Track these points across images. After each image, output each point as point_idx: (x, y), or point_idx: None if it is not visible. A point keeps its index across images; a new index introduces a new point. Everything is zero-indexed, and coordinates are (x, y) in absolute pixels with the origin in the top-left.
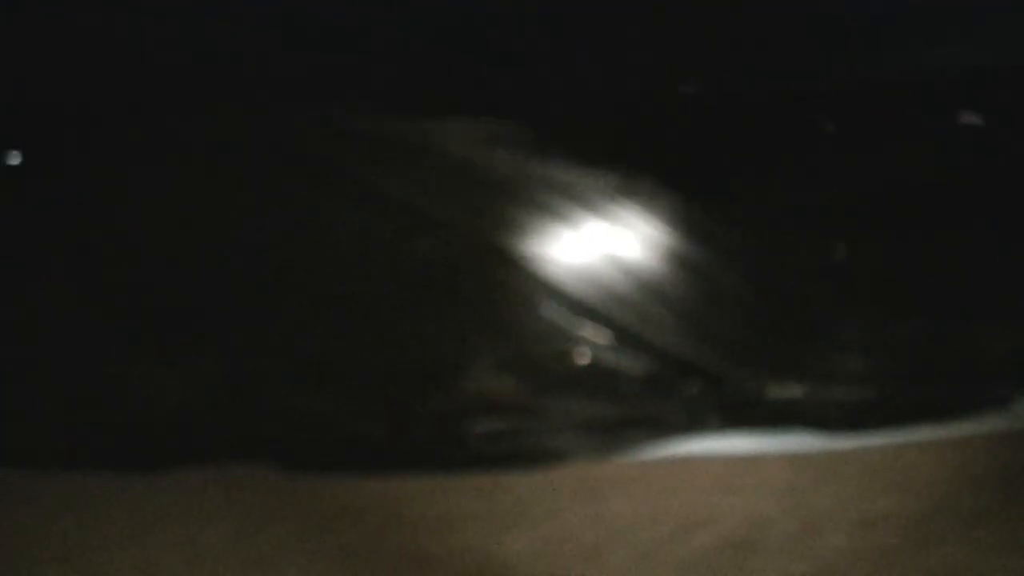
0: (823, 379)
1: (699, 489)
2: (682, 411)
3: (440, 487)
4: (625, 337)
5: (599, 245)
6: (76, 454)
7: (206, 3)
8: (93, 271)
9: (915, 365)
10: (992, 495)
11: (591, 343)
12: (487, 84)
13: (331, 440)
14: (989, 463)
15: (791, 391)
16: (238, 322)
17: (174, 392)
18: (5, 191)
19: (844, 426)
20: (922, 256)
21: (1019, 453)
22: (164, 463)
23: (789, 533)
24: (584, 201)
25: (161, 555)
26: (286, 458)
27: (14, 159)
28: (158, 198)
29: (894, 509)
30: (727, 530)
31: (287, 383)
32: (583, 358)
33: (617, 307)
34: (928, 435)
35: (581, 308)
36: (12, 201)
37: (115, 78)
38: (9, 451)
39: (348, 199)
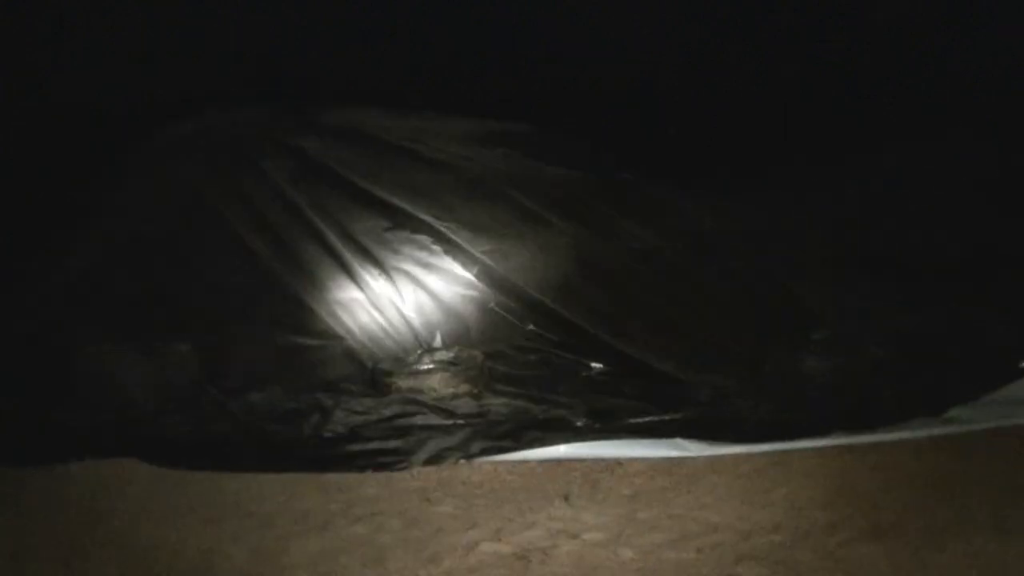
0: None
1: (539, 494)
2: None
3: (279, 484)
4: (575, 335)
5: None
6: None
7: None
8: None
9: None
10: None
11: (538, 340)
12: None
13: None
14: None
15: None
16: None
17: None
18: None
19: (745, 433)
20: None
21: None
22: None
23: (590, 544)
24: (561, 199)
25: None
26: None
27: None
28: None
29: (727, 522)
30: (529, 539)
31: None
32: (524, 356)
33: (573, 306)
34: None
35: (533, 305)
36: None
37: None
38: None
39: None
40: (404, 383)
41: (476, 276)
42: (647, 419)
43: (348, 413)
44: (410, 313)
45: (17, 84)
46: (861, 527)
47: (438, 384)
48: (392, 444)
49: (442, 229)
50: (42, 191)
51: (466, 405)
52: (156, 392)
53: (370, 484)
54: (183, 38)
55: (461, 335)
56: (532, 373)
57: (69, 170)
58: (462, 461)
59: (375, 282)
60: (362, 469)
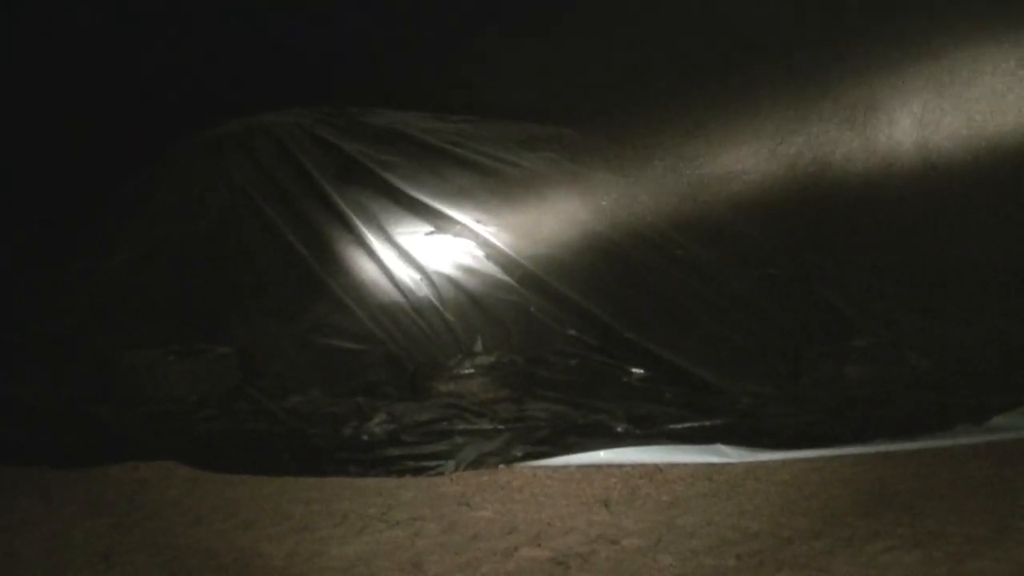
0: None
1: (578, 500)
2: (633, 419)
3: (317, 487)
4: (616, 340)
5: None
6: None
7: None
8: None
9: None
10: (879, 517)
11: (579, 345)
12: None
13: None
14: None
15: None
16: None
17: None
18: None
19: (782, 441)
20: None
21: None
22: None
23: (629, 550)
24: (603, 205)
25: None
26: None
27: None
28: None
29: (766, 529)
30: (568, 544)
31: None
32: (565, 360)
33: (615, 311)
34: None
35: (574, 310)
36: None
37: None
38: None
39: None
40: (444, 387)
41: (518, 281)
42: (687, 425)
43: (387, 417)
44: (451, 317)
45: (62, 83)
46: (902, 535)
47: (478, 388)
48: (431, 448)
49: (484, 233)
50: (84, 191)
51: (506, 410)
52: (195, 394)
53: (409, 488)
54: (231, 41)
55: (502, 339)
56: (572, 378)
57: (113, 170)
58: (501, 466)
59: (416, 286)
60: (401, 473)
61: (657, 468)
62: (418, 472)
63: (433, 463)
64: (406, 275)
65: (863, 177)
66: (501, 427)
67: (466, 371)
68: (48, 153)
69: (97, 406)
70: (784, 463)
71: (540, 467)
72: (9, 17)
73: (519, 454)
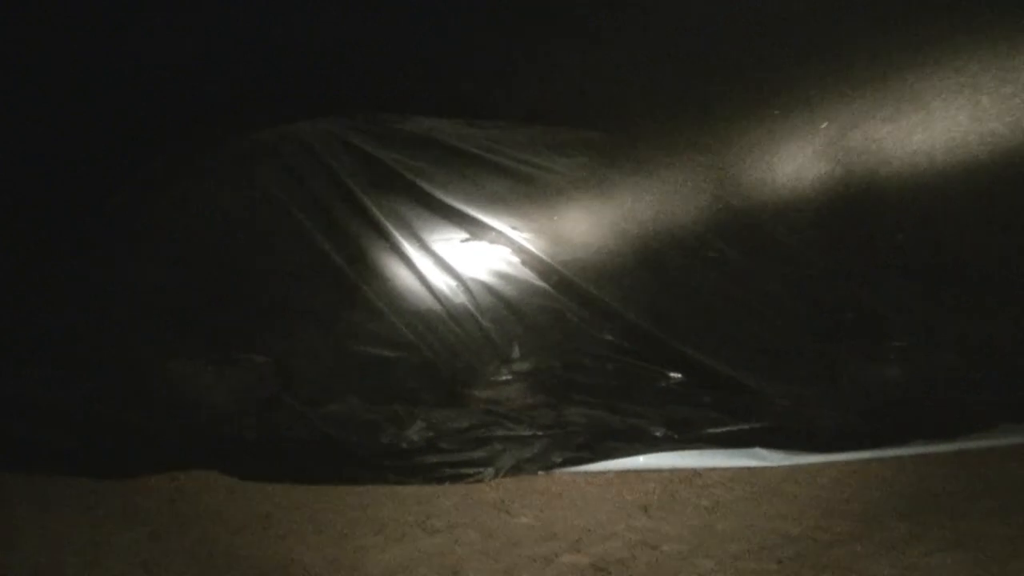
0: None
1: (617, 505)
2: (671, 423)
3: (355, 495)
4: (653, 345)
5: (636, 250)
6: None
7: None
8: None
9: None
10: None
11: (616, 350)
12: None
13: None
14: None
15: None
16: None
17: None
18: None
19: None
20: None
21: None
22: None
23: (669, 555)
24: (638, 209)
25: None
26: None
27: None
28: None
29: (806, 533)
30: (607, 550)
31: None
32: (602, 366)
33: (651, 315)
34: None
35: (610, 315)
36: None
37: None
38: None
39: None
40: (481, 394)
41: (553, 287)
42: (725, 429)
43: (425, 424)
44: (487, 324)
45: (95, 87)
46: (943, 537)
47: (516, 394)
48: (470, 455)
49: (519, 239)
50: (119, 200)
51: (544, 415)
52: (233, 403)
53: (447, 495)
54: (263, 47)
55: (538, 346)
56: (610, 383)
57: (147, 178)
58: (540, 472)
59: (452, 293)
60: (439, 480)
61: (696, 472)
62: (457, 479)
63: (472, 470)
64: (442, 282)
65: (899, 176)
66: (539, 433)
67: (503, 377)
68: (86, 162)
69: (136, 416)
70: (823, 466)
71: (579, 473)
72: (50, 21)
73: (558, 460)
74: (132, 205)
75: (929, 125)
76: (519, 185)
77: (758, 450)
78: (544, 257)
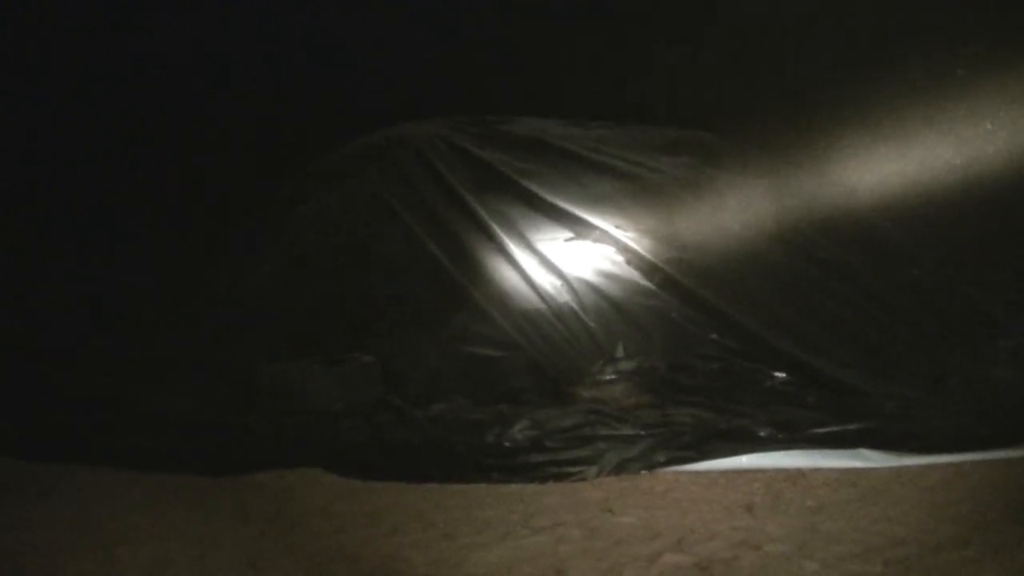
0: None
1: (721, 505)
2: (776, 424)
3: (460, 494)
4: (758, 344)
5: (741, 250)
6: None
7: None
8: None
9: None
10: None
11: (720, 349)
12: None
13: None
14: None
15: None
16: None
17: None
18: None
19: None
20: None
21: None
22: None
23: (772, 556)
24: (737, 205)
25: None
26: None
27: None
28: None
29: (913, 535)
30: (711, 550)
31: None
32: (707, 365)
33: (756, 315)
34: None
35: (715, 314)
36: None
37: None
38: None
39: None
40: (586, 393)
41: (658, 286)
42: (830, 429)
43: (530, 423)
44: (592, 323)
45: (208, 97)
46: None
47: (620, 394)
48: (574, 454)
49: (624, 239)
50: (230, 204)
51: (648, 415)
52: (340, 403)
53: (551, 494)
54: (370, 54)
55: (643, 345)
56: (714, 383)
57: (258, 183)
58: (644, 471)
59: (557, 292)
60: (543, 479)
61: (800, 473)
62: (560, 478)
63: (575, 469)
64: (547, 282)
65: (1007, 175)
66: (643, 432)
67: (608, 377)
68: (193, 169)
69: (245, 416)
70: (930, 467)
71: (682, 472)
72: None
73: (661, 459)
74: (240, 211)
75: None
76: (624, 184)
77: (863, 451)
78: (649, 256)
